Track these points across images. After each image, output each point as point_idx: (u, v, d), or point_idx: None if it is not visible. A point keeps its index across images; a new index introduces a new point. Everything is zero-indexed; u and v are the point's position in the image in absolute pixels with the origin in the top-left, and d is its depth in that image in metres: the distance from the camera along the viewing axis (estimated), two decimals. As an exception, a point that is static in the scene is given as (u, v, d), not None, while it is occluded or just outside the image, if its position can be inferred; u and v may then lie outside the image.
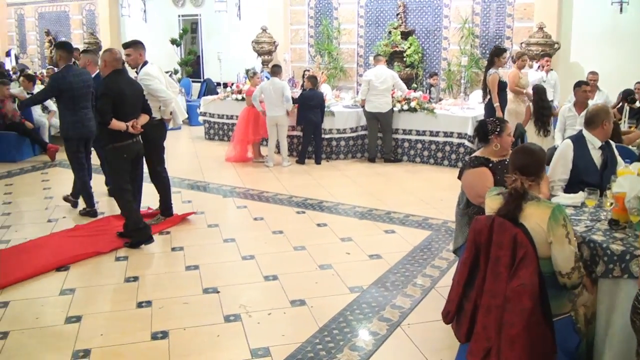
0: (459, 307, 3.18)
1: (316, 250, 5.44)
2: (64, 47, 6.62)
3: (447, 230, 5.95)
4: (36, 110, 10.09)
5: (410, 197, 7.27)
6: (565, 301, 3.11)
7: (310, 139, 9.07)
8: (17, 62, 17.38)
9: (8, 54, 18.21)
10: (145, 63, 6.10)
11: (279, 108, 8.72)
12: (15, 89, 10.58)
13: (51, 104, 10.26)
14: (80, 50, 8.44)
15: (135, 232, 5.57)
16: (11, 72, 14.95)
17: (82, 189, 6.63)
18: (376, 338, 3.85)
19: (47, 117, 10.23)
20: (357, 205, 6.82)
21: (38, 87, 10.61)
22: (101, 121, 5.46)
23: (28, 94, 10.12)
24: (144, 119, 5.65)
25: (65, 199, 6.92)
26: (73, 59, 6.92)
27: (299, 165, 9.03)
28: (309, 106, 8.87)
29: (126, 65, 5.96)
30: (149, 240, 5.58)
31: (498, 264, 2.89)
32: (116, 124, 5.37)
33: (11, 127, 9.50)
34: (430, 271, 4.94)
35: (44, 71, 14.39)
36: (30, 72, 13.25)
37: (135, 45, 6.07)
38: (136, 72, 6.11)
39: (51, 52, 16.96)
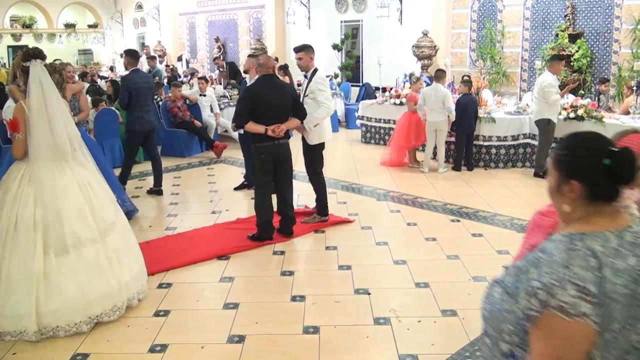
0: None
1: (470, 260, 5.30)
2: (131, 55, 7.55)
3: None
4: (205, 111, 10.86)
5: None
6: None
7: (463, 145, 8.86)
8: (187, 67, 18.80)
9: (180, 59, 19.78)
10: (316, 69, 6.29)
11: (440, 113, 8.60)
12: (186, 90, 11.49)
13: (217, 105, 11.01)
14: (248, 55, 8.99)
15: (261, 228, 5.79)
16: (182, 76, 16.22)
17: (124, 173, 7.62)
18: (531, 357, 3.67)
19: (214, 117, 10.96)
20: (515, 217, 6.54)
21: (209, 90, 11.43)
22: (235, 124, 5.81)
23: (201, 95, 10.95)
24: (293, 123, 5.78)
25: (149, 191, 7.83)
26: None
27: (455, 172, 8.85)
28: (464, 112, 8.67)
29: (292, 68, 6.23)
30: (269, 238, 5.81)
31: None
32: (253, 127, 5.56)
33: (181, 125, 10.32)
34: None
35: (213, 75, 15.43)
36: (200, 75, 14.32)
37: (306, 49, 6.29)
38: (305, 76, 6.32)
39: (220, 57, 18.16)
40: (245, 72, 7.71)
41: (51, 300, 3.90)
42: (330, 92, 6.49)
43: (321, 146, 6.33)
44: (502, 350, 1.68)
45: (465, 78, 9.66)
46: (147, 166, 9.34)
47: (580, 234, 1.62)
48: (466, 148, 8.89)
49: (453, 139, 9.18)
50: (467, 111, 8.68)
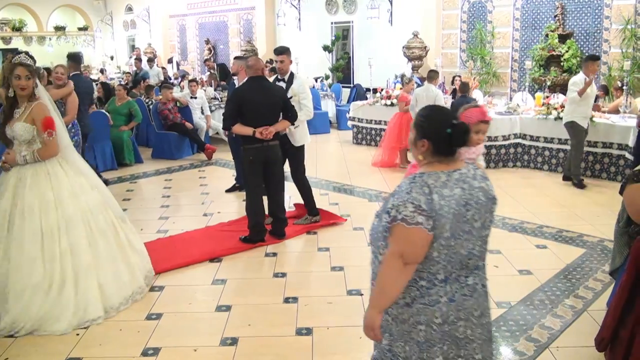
0: (614, 335, 2.98)
1: (461, 260, 5.32)
2: (73, 59, 7.96)
3: (603, 249, 5.56)
4: (196, 113, 10.86)
5: (564, 210, 6.88)
6: None
7: None
8: (178, 69, 18.78)
9: (170, 61, 19.75)
10: (292, 73, 6.33)
11: None
12: (177, 93, 11.48)
13: (207, 107, 11.01)
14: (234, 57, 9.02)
15: (252, 230, 5.81)
16: (173, 78, 16.20)
17: None
18: (522, 358, 3.70)
19: (205, 120, 10.94)
20: (507, 217, 6.58)
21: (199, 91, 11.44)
22: (223, 126, 5.83)
23: (192, 97, 10.94)
24: (282, 124, 5.77)
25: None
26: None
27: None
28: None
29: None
30: (261, 240, 5.84)
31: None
32: (240, 129, 5.56)
33: (172, 127, 10.31)
34: (583, 292, 4.64)
35: (204, 77, 15.42)
36: (190, 77, 14.30)
37: (288, 53, 6.28)
38: (282, 79, 6.28)
39: (211, 59, 18.15)
40: (234, 74, 7.70)
41: (109, 282, 4.32)
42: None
43: (304, 148, 6.37)
44: (380, 260, 2.40)
45: (462, 80, 9.62)
46: (138, 169, 9.35)
47: (421, 173, 2.34)
48: None
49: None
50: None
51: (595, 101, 9.80)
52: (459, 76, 11.21)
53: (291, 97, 6.08)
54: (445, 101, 9.09)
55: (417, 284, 2.33)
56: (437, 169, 2.36)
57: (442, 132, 2.35)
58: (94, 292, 4.21)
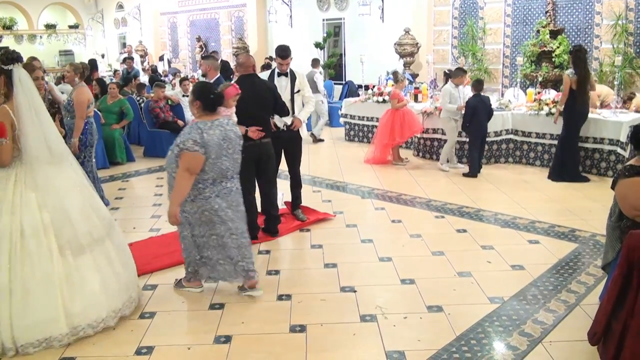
0: (606, 328, 2.99)
1: (455, 256, 5.34)
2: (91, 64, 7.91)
3: (595, 244, 5.59)
4: (187, 111, 10.80)
5: (556, 206, 6.91)
6: None
7: (476, 149, 8.48)
8: (169, 66, 18.70)
9: (161, 58, 19.69)
10: (291, 69, 6.34)
11: (443, 111, 8.63)
12: (169, 91, 11.44)
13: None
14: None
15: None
16: (163, 76, 16.13)
17: None
18: (515, 353, 3.71)
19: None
20: (499, 213, 6.60)
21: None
22: None
23: (183, 96, 10.91)
24: (298, 122, 5.85)
25: None
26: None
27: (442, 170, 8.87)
28: (475, 114, 8.31)
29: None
30: (254, 237, 5.74)
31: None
32: None
33: (164, 125, 10.28)
34: (576, 287, 4.67)
35: (195, 75, 15.38)
36: (182, 75, 14.25)
37: (290, 52, 6.26)
38: (284, 74, 6.24)
39: (202, 57, 18.08)
40: (204, 75, 7.68)
41: (77, 299, 3.91)
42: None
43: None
44: (172, 177, 4.17)
45: (477, 79, 9.39)
46: (130, 167, 9.32)
47: (196, 122, 4.16)
48: (479, 152, 8.47)
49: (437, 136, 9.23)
50: (477, 113, 8.26)
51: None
52: (449, 71, 11.18)
53: (298, 91, 6.19)
54: (437, 97, 9.08)
55: (197, 187, 4.20)
56: (205, 119, 4.20)
57: (208, 97, 4.21)
58: None
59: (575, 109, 7.84)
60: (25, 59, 5.17)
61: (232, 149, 4.23)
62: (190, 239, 4.39)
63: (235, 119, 5.13)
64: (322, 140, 11.53)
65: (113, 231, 4.33)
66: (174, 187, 4.13)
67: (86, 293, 3.95)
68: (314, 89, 11.71)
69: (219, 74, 7.10)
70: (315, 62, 12.51)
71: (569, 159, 7.98)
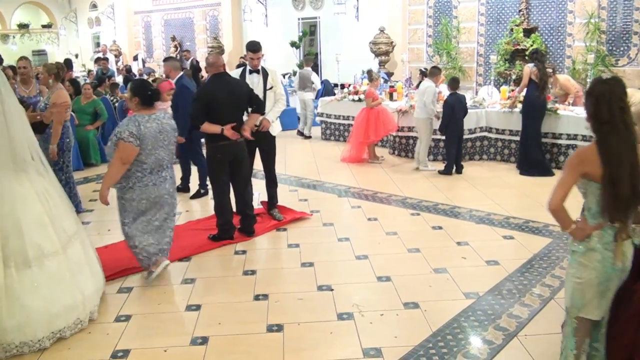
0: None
1: (431, 253, 5.38)
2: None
3: (568, 238, 5.64)
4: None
5: (530, 202, 6.99)
6: None
7: (453, 148, 8.48)
8: (144, 66, 18.52)
9: (135, 58, 19.49)
10: (262, 67, 6.32)
11: (422, 111, 8.53)
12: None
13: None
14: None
15: (221, 228, 5.80)
16: (137, 75, 15.98)
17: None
18: (491, 347, 3.75)
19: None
20: (474, 209, 6.66)
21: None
22: (192, 125, 5.81)
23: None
24: (252, 120, 5.75)
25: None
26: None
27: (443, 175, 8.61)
28: (452, 112, 8.29)
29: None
30: (230, 238, 5.82)
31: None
32: (209, 128, 5.47)
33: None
34: (550, 281, 4.73)
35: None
36: (157, 75, 14.13)
37: (261, 48, 6.23)
38: (256, 71, 6.17)
39: (177, 56, 17.93)
40: (167, 76, 7.67)
41: (14, 315, 3.68)
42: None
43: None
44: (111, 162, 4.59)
45: (453, 77, 9.40)
46: (104, 169, 9.18)
47: (134, 115, 4.59)
48: (456, 150, 8.42)
49: (412, 134, 9.27)
50: (455, 111, 8.25)
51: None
52: (425, 69, 11.24)
53: (271, 88, 6.16)
54: (412, 96, 9.11)
55: (136, 175, 4.58)
56: (143, 112, 4.60)
57: (146, 93, 4.61)
58: None
59: (534, 100, 8.20)
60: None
61: (167, 140, 4.69)
62: (132, 225, 4.75)
63: (170, 112, 5.83)
64: (310, 137, 11.77)
65: (73, 246, 4.10)
66: (108, 171, 4.63)
67: (25, 309, 3.72)
68: (310, 87, 11.73)
69: (181, 73, 7.32)
70: (307, 60, 12.51)
71: (533, 151, 8.25)
